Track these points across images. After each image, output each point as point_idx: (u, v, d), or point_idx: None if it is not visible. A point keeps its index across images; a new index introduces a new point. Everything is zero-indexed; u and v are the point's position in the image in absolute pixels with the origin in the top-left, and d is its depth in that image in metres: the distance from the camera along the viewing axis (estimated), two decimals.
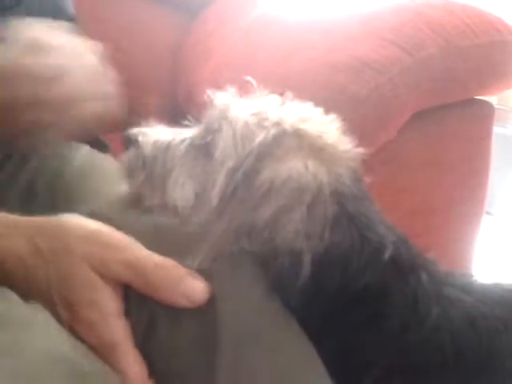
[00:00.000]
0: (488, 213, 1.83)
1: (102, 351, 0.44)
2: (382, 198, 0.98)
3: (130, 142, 0.63)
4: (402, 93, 0.81)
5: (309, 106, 0.62)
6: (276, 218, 0.53)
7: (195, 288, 0.47)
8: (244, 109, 0.59)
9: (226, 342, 0.46)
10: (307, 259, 0.52)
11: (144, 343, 0.46)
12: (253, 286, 0.51)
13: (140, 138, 0.63)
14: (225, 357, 0.46)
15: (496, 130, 1.16)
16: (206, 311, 0.47)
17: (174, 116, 1.33)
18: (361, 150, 0.61)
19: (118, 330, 0.45)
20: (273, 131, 0.56)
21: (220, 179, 0.56)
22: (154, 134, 0.64)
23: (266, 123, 0.57)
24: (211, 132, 0.60)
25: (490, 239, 1.66)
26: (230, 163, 0.56)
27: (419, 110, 0.86)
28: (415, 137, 0.91)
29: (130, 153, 0.63)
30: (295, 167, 0.54)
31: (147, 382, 0.45)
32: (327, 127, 0.60)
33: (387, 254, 0.55)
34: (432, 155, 0.94)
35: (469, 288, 0.59)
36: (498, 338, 0.56)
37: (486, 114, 0.99)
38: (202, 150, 0.60)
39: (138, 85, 1.26)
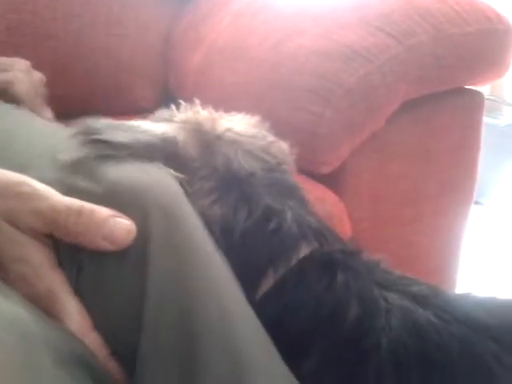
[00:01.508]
0: (479, 203, 1.84)
1: (42, 305, 0.43)
2: (372, 186, 0.98)
3: None
4: (391, 80, 0.81)
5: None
6: None
7: (117, 229, 0.45)
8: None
9: (153, 286, 0.45)
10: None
11: (75, 292, 0.45)
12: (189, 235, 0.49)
13: None
14: (150, 301, 0.45)
15: (487, 120, 1.16)
16: (133, 253, 0.45)
17: (165, 101, 1.33)
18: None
19: (51, 280, 0.44)
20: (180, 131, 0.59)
21: None
22: None
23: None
24: None
25: (480, 229, 1.67)
26: None
27: (409, 99, 0.86)
28: (405, 126, 0.91)
29: None
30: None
31: (91, 333, 0.45)
32: (229, 121, 0.62)
33: (272, 225, 0.55)
34: (422, 144, 0.94)
35: (429, 301, 0.54)
36: (449, 354, 0.50)
37: (476, 103, 0.98)
38: None
39: (129, 70, 1.25)
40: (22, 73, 0.73)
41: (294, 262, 0.54)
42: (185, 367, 0.45)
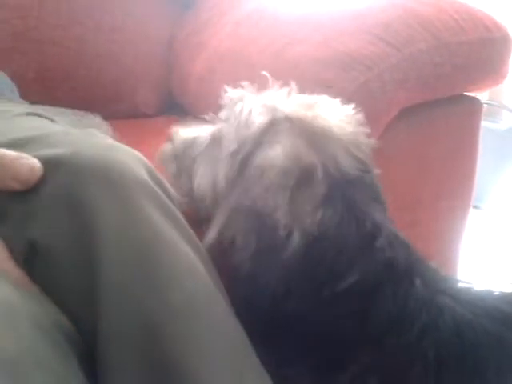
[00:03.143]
0: (478, 207, 1.85)
1: None
2: None
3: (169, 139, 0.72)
4: (390, 89, 0.82)
5: (318, 96, 0.65)
6: (262, 196, 0.55)
7: (23, 169, 0.47)
8: (252, 101, 0.63)
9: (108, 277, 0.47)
10: (296, 236, 0.54)
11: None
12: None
13: (174, 135, 0.71)
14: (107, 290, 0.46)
15: (486, 125, 1.18)
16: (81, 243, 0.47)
17: (168, 107, 1.34)
18: (371, 139, 0.62)
19: None
20: (268, 116, 0.59)
21: (224, 163, 0.60)
22: (184, 131, 0.72)
23: (264, 110, 0.60)
24: (222, 124, 0.65)
25: (479, 233, 1.68)
26: (232, 148, 0.60)
27: (407, 106, 0.87)
28: (404, 132, 0.92)
29: (165, 147, 0.71)
30: (279, 150, 0.56)
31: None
32: (329, 113, 0.61)
33: (380, 243, 0.56)
34: (420, 150, 0.95)
35: (462, 297, 0.58)
36: (483, 351, 0.55)
37: (474, 110, 1.00)
38: (217, 141, 0.65)
39: (131, 76, 1.26)
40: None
41: (378, 266, 0.56)
42: (147, 354, 0.46)
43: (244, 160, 0.59)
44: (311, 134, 0.58)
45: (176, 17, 1.31)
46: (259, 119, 0.60)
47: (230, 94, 0.67)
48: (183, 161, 0.69)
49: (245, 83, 0.68)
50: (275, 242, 0.54)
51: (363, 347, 0.56)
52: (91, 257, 0.48)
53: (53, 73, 1.18)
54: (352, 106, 0.65)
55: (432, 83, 0.87)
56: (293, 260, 0.54)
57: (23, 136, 0.55)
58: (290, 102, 0.63)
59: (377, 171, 0.63)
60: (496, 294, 0.61)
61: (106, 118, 1.17)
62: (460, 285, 0.61)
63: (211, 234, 0.59)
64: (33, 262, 0.48)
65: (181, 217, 0.55)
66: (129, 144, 0.73)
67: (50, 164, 0.50)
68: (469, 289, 0.61)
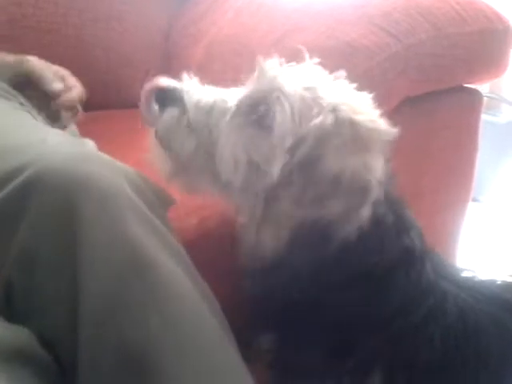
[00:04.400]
0: (477, 200, 1.85)
1: None
2: None
3: (168, 99, 0.58)
4: (390, 78, 0.81)
5: (351, 87, 0.64)
6: (345, 213, 0.54)
7: None
8: (296, 81, 0.58)
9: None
10: (350, 230, 0.55)
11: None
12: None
13: (183, 95, 0.58)
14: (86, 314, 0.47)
15: (487, 117, 1.17)
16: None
17: None
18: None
19: None
20: (331, 117, 0.56)
21: (280, 156, 0.55)
22: (196, 92, 0.59)
23: (322, 103, 0.57)
24: (263, 102, 0.57)
25: (478, 226, 1.68)
26: (289, 140, 0.55)
27: (408, 97, 0.87)
28: (404, 123, 0.91)
29: (171, 112, 0.58)
30: (358, 164, 0.55)
31: None
32: (375, 117, 0.60)
33: (408, 238, 0.57)
34: (420, 142, 0.95)
35: (465, 283, 0.60)
36: (485, 334, 0.57)
37: (474, 102, 0.99)
38: (252, 119, 0.57)
39: (129, 65, 1.25)
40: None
41: (400, 251, 0.58)
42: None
43: (308, 159, 0.55)
44: (370, 144, 0.57)
45: (175, 5, 1.30)
46: (321, 117, 0.56)
47: (264, 65, 0.60)
48: (202, 133, 0.58)
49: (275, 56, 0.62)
50: (320, 236, 0.54)
51: (373, 330, 0.56)
52: (75, 275, 0.48)
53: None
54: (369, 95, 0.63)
55: (432, 74, 0.87)
56: (333, 251, 0.54)
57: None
58: (343, 98, 0.59)
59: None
60: (498, 282, 0.62)
61: (103, 107, 1.16)
62: (464, 273, 0.63)
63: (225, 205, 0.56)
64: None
65: (162, 227, 0.53)
66: (127, 134, 0.72)
67: (23, 180, 0.50)
68: (472, 277, 0.62)
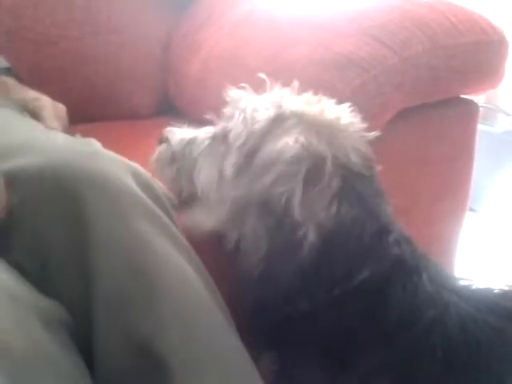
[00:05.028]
0: (474, 210, 1.85)
1: None
2: None
3: (160, 140, 0.71)
4: (386, 91, 0.82)
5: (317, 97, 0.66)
6: (273, 188, 0.55)
7: None
8: (255, 99, 0.65)
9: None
10: (311, 232, 0.54)
11: None
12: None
13: (169, 136, 0.70)
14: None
15: (483, 128, 1.17)
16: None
17: (164, 108, 1.34)
18: (370, 132, 0.63)
19: None
20: (274, 111, 0.61)
21: (231, 156, 0.61)
22: (180, 132, 0.71)
23: (270, 106, 0.62)
24: (226, 121, 0.66)
25: (475, 236, 1.68)
26: (239, 141, 0.61)
27: (404, 108, 0.87)
28: (400, 135, 0.92)
29: (161, 149, 0.70)
30: (288, 140, 0.57)
31: None
32: (332, 108, 0.62)
33: (393, 237, 0.57)
34: (416, 153, 0.95)
35: (464, 293, 0.60)
36: (486, 343, 0.57)
37: (470, 113, 0.99)
38: (221, 138, 0.65)
39: (127, 77, 1.26)
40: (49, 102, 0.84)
41: (388, 262, 0.58)
42: None
43: (251, 150, 0.60)
44: (319, 127, 0.59)
45: (173, 18, 1.31)
46: (266, 113, 0.61)
47: (231, 93, 0.68)
48: (183, 161, 0.68)
49: (244, 85, 0.69)
50: (289, 241, 0.54)
51: (375, 344, 0.56)
52: (87, 271, 0.49)
53: (47, 73, 1.17)
54: (348, 104, 0.65)
55: (428, 85, 0.87)
56: (307, 258, 0.54)
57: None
58: (295, 99, 0.63)
59: (378, 167, 0.63)
60: (496, 291, 0.62)
61: (101, 119, 1.16)
62: (461, 282, 0.63)
63: (208, 223, 0.59)
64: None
65: (171, 224, 0.55)
66: (125, 146, 0.73)
67: (30, 176, 0.52)
68: (470, 286, 0.62)
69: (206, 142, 0.68)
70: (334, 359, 0.57)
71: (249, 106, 0.63)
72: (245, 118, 0.62)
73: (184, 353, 0.48)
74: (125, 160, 0.58)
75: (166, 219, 0.55)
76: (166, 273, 0.51)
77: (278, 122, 0.60)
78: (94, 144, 0.68)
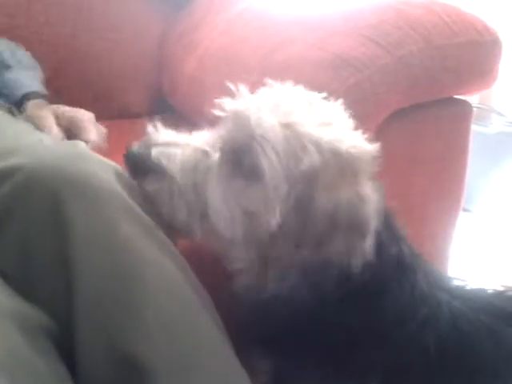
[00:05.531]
0: (468, 210, 1.86)
1: None
2: None
3: (148, 167, 0.57)
4: (381, 91, 0.82)
5: (331, 107, 0.62)
6: (348, 249, 0.54)
7: None
8: (272, 117, 0.55)
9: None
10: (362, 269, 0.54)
11: None
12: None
13: (165, 164, 0.56)
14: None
15: (477, 128, 1.17)
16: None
17: (159, 107, 1.34)
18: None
19: None
20: (316, 155, 0.54)
21: (277, 205, 0.54)
22: (175, 154, 0.57)
23: (304, 141, 0.55)
24: (245, 149, 0.55)
25: (468, 236, 1.69)
26: (284, 188, 0.54)
27: (398, 109, 0.87)
28: (394, 135, 0.92)
29: (157, 182, 0.57)
30: (350, 196, 0.55)
31: None
32: (357, 141, 0.60)
33: (392, 236, 0.58)
34: (410, 153, 0.95)
35: (457, 292, 0.61)
36: (479, 342, 0.57)
37: (464, 113, 1.00)
38: (237, 169, 0.56)
39: (122, 75, 1.25)
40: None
41: (390, 262, 0.58)
42: None
43: (300, 202, 0.54)
44: (359, 175, 0.57)
45: (168, 17, 1.31)
46: (310, 158, 0.54)
47: (227, 105, 0.58)
48: (188, 195, 0.57)
49: (233, 88, 0.62)
50: (326, 273, 0.54)
51: (370, 343, 0.56)
52: (68, 272, 0.49)
53: (42, 71, 1.17)
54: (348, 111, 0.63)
55: (422, 86, 0.87)
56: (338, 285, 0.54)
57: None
58: (325, 132, 0.57)
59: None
60: (489, 291, 0.62)
61: (95, 117, 1.16)
62: (455, 282, 0.63)
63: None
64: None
65: (154, 225, 0.54)
66: (119, 144, 0.73)
67: (13, 176, 0.52)
68: (463, 286, 0.62)
69: (214, 165, 0.57)
70: (330, 358, 0.57)
71: (275, 137, 0.54)
72: (279, 158, 0.54)
73: (169, 362, 0.47)
74: (109, 161, 0.57)
75: (149, 221, 0.54)
76: (150, 275, 0.50)
77: (322, 167, 0.55)
78: (79, 145, 0.67)
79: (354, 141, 0.59)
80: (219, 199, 0.56)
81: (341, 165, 0.55)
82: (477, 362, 0.57)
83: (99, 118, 1.08)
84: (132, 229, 0.51)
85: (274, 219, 0.54)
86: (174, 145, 0.58)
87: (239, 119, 0.56)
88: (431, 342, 0.56)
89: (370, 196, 0.56)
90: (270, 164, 0.54)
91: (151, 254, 0.51)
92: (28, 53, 1.04)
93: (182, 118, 1.15)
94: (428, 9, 0.90)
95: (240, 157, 0.55)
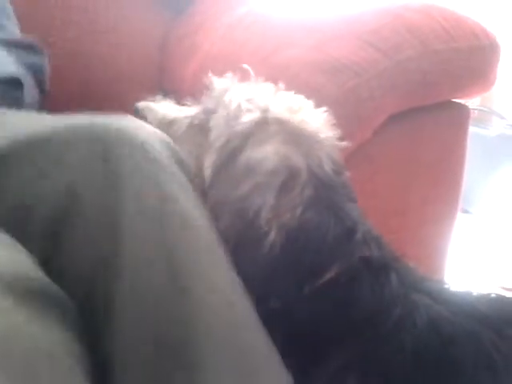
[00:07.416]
0: (468, 212, 1.87)
1: None
2: (358, 197, 1.00)
3: (138, 116, 0.67)
4: (379, 95, 0.83)
5: (300, 97, 0.67)
6: (249, 196, 0.56)
7: None
8: (239, 94, 0.65)
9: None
10: (274, 230, 0.55)
11: None
12: None
13: (147, 114, 0.68)
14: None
15: (477, 130, 1.19)
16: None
17: None
18: (342, 142, 0.64)
19: None
20: (258, 115, 0.61)
21: (211, 155, 0.61)
22: (159, 109, 0.69)
23: (255, 108, 0.62)
24: (208, 113, 0.65)
25: (468, 237, 1.69)
26: (221, 141, 0.61)
27: (396, 112, 0.88)
28: (392, 138, 0.93)
29: None
30: (269, 151, 0.58)
31: None
32: (312, 117, 0.63)
33: (359, 236, 0.58)
34: (408, 156, 0.96)
35: (439, 296, 0.60)
36: (461, 346, 0.56)
37: (462, 116, 1.00)
38: (199, 128, 0.65)
39: (124, 78, 1.26)
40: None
41: (355, 261, 0.59)
42: None
43: (232, 154, 0.60)
44: (298, 137, 0.60)
45: (169, 20, 1.32)
46: (250, 116, 0.61)
47: (216, 82, 0.68)
48: None
49: (228, 74, 0.70)
50: (253, 236, 0.55)
51: (344, 341, 0.57)
52: (115, 228, 0.48)
53: None
54: (325, 108, 0.66)
55: (420, 90, 0.88)
56: (272, 255, 0.55)
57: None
58: (278, 102, 0.64)
59: (347, 173, 0.65)
60: (474, 294, 0.63)
61: None
62: (438, 285, 0.63)
63: None
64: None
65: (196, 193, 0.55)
66: None
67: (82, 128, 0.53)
68: (447, 289, 0.63)
69: (184, 127, 0.67)
70: (303, 357, 0.58)
71: (233, 102, 0.63)
72: (228, 117, 0.62)
73: (210, 348, 0.46)
74: (156, 130, 0.58)
75: (190, 185, 0.54)
76: (198, 245, 0.50)
77: (261, 126, 0.60)
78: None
79: (313, 122, 0.63)
80: (181, 147, 0.62)
81: (280, 130, 0.60)
82: (455, 367, 0.56)
83: None
84: (180, 192, 0.52)
85: (206, 168, 0.60)
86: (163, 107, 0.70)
87: (214, 93, 0.67)
88: (407, 342, 0.56)
89: (293, 157, 0.58)
90: (217, 119, 0.63)
91: (199, 219, 0.52)
92: None
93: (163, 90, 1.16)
94: (426, 14, 0.91)
95: (207, 119, 0.65)
